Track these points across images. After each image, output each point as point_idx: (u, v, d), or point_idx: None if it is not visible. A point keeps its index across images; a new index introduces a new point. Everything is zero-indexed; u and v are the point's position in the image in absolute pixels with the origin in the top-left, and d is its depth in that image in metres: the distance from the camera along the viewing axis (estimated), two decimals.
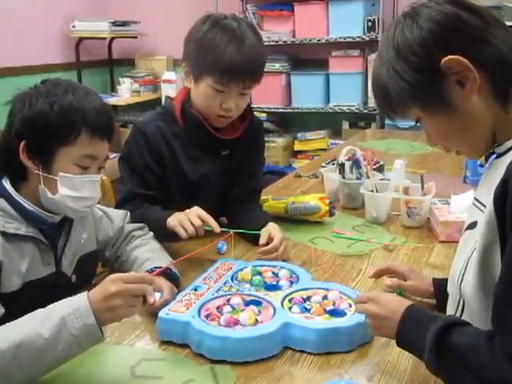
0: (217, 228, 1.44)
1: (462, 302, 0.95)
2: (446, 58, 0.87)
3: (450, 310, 1.01)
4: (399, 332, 0.96)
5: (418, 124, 0.99)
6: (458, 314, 0.98)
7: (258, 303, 1.21)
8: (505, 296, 0.81)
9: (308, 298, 1.23)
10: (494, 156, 0.96)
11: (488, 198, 0.88)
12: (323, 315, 1.16)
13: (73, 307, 0.97)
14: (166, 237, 1.49)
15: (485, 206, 0.90)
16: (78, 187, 1.20)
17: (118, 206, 1.60)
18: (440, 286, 1.22)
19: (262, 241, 1.52)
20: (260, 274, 1.36)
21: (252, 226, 1.60)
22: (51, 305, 1.00)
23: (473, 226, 0.95)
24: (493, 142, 0.94)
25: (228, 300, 1.22)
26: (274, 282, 1.32)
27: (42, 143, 1.18)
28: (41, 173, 1.19)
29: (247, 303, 1.21)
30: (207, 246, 1.45)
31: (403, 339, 0.96)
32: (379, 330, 1.03)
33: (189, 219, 1.43)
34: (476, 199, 0.98)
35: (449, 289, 1.02)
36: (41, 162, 1.19)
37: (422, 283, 1.26)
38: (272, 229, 1.55)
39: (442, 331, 0.87)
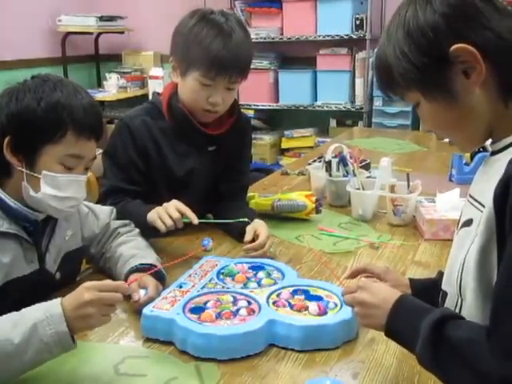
0: (195, 219, 1.44)
1: (460, 301, 0.93)
2: (456, 46, 0.85)
3: None
4: (390, 321, 0.92)
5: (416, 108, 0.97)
6: None
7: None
8: (503, 294, 0.80)
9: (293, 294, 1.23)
10: (488, 154, 0.95)
11: (485, 197, 0.86)
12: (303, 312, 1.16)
13: (45, 313, 0.96)
14: (146, 231, 1.48)
15: (482, 205, 0.89)
16: (61, 186, 1.18)
17: (99, 200, 1.59)
18: (417, 286, 1.21)
19: (248, 237, 1.52)
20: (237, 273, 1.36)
21: (231, 229, 1.60)
22: (24, 309, 0.99)
23: (468, 223, 0.94)
24: (488, 137, 0.94)
25: (214, 296, 1.21)
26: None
27: (27, 140, 1.16)
28: (24, 170, 1.17)
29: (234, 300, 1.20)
30: (193, 252, 1.42)
31: (393, 329, 0.93)
32: (367, 319, 0.99)
33: (167, 212, 1.43)
34: (471, 196, 0.97)
35: (445, 288, 1.01)
36: (25, 159, 1.17)
37: (398, 284, 1.23)
38: (258, 226, 1.55)
39: (438, 323, 0.84)
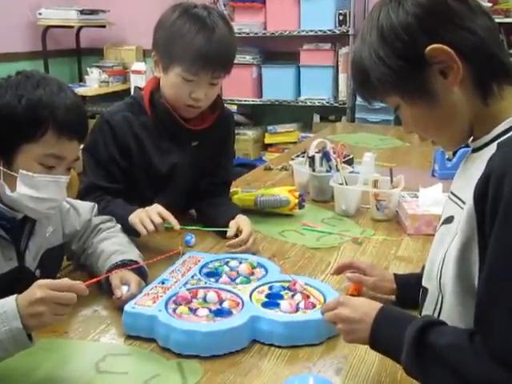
0: (177, 225, 1.43)
1: (440, 297, 0.94)
2: (431, 47, 0.85)
3: (428, 306, 0.99)
4: (373, 333, 0.92)
5: (396, 111, 0.97)
6: (436, 310, 0.96)
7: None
8: (489, 294, 0.80)
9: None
10: (470, 150, 0.95)
11: (467, 194, 0.86)
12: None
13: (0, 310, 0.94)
14: (127, 232, 1.46)
15: (463, 202, 0.89)
16: (39, 187, 1.15)
17: (79, 198, 1.57)
18: (401, 281, 1.22)
19: (230, 233, 1.51)
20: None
21: (221, 219, 1.59)
22: None
23: (449, 220, 0.94)
24: (470, 135, 0.93)
25: (194, 294, 1.20)
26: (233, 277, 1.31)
27: (6, 137, 1.13)
28: (1, 168, 1.14)
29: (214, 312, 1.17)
30: (175, 250, 1.40)
31: (378, 341, 0.93)
32: (352, 335, 0.98)
33: (149, 217, 1.42)
34: (452, 193, 0.97)
35: (425, 284, 1.01)
36: (2, 157, 1.14)
37: (384, 280, 1.24)
38: (241, 221, 1.54)
39: (421, 331, 0.84)
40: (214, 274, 1.32)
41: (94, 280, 1.14)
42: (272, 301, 1.18)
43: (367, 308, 0.95)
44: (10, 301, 0.95)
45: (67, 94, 1.17)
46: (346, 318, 0.97)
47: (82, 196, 1.57)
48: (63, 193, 1.21)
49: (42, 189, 1.15)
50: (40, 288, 0.95)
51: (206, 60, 1.50)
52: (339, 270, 1.32)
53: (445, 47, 0.85)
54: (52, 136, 1.13)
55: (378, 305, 0.96)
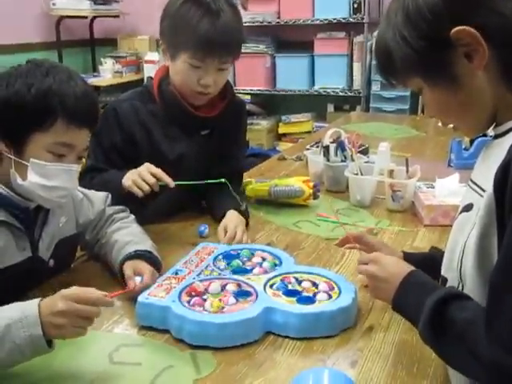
0: (171, 183, 1.41)
1: (461, 287, 0.92)
2: (457, 29, 0.83)
3: None
4: (396, 296, 0.95)
5: (419, 94, 0.95)
6: None
7: (243, 293, 1.17)
8: (502, 281, 0.79)
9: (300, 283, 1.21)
10: (489, 138, 0.93)
11: (486, 181, 0.85)
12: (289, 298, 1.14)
13: (21, 314, 0.92)
14: (125, 200, 1.45)
15: (483, 190, 0.88)
16: (49, 175, 1.14)
17: (79, 179, 1.57)
18: (410, 260, 1.20)
19: (220, 238, 1.48)
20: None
21: (214, 211, 1.60)
22: (1, 307, 0.96)
23: (468, 208, 0.92)
24: (492, 122, 0.92)
25: (207, 286, 1.19)
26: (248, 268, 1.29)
27: (16, 126, 1.12)
28: (12, 157, 1.14)
29: (236, 293, 1.17)
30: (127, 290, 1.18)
31: (400, 304, 0.95)
32: (376, 292, 1.03)
33: (142, 178, 1.41)
34: (472, 181, 0.95)
35: (444, 274, 1.00)
36: (13, 146, 1.14)
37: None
38: (227, 220, 1.53)
39: (440, 303, 0.85)
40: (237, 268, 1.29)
41: (120, 292, 1.09)
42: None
43: (396, 268, 0.99)
44: (33, 306, 0.94)
45: (77, 82, 1.16)
46: (373, 275, 1.02)
47: (81, 176, 1.56)
48: (74, 181, 1.21)
49: (53, 177, 1.15)
50: (63, 300, 0.94)
51: (211, 45, 1.48)
52: (344, 242, 1.28)
53: (471, 29, 0.83)
54: (62, 124, 1.13)
55: (406, 267, 0.98)
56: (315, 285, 1.20)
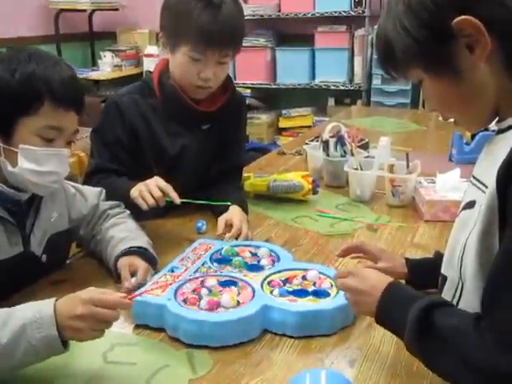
0: (177, 199, 1.39)
1: (460, 285, 0.91)
2: (459, 19, 0.81)
3: (447, 293, 0.96)
4: (379, 308, 0.92)
5: (419, 87, 0.93)
6: (455, 298, 0.93)
7: (233, 283, 1.17)
8: (501, 279, 0.77)
9: (287, 280, 1.19)
10: (492, 133, 0.91)
11: (489, 178, 0.83)
12: (307, 297, 1.13)
13: (36, 314, 0.91)
14: (132, 208, 1.43)
15: (486, 186, 0.86)
16: (40, 160, 1.13)
17: (85, 180, 1.55)
18: (413, 266, 1.18)
19: (219, 230, 1.46)
20: (237, 254, 1.31)
21: (216, 207, 1.56)
22: (17, 306, 0.94)
23: (471, 205, 0.90)
24: (494, 117, 0.89)
25: (202, 282, 1.17)
26: (255, 262, 1.28)
27: (3, 113, 1.11)
28: (1, 144, 1.12)
29: (222, 284, 1.16)
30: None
31: (383, 316, 0.92)
32: (358, 306, 0.99)
33: (149, 190, 1.39)
34: (474, 177, 0.93)
35: (444, 272, 0.98)
36: (1, 134, 1.12)
37: (394, 265, 1.20)
38: (230, 215, 1.50)
39: (425, 311, 0.83)
40: (225, 261, 1.28)
41: (137, 294, 1.03)
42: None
43: (376, 281, 0.95)
44: (48, 306, 0.92)
45: (62, 67, 1.16)
46: (353, 288, 0.98)
47: (87, 177, 1.55)
48: (65, 166, 1.19)
49: (44, 162, 1.14)
50: (83, 303, 0.91)
51: (212, 38, 1.46)
52: (346, 253, 1.26)
53: (473, 19, 0.80)
54: (49, 107, 1.12)
55: (387, 279, 0.94)
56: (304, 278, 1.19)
